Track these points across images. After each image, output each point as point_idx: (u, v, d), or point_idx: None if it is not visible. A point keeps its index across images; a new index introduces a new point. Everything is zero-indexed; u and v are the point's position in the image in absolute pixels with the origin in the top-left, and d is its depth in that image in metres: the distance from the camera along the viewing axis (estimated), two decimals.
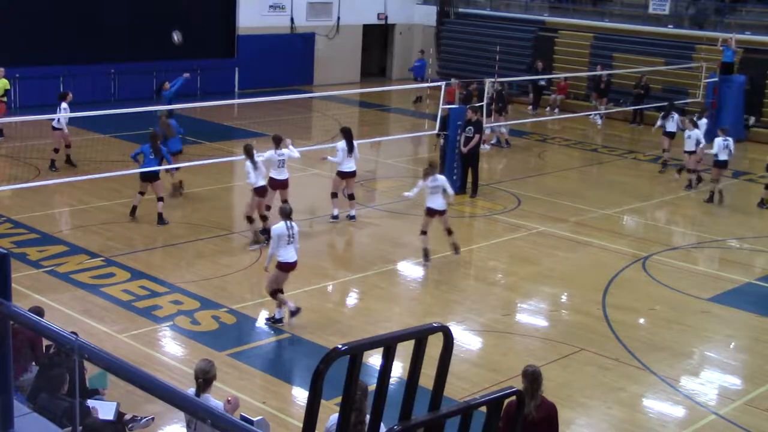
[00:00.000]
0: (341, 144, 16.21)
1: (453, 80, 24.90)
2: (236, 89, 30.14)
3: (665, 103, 23.44)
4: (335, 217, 16.29)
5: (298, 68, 31.25)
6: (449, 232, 14.41)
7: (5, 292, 3.91)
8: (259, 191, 14.73)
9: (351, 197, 16.44)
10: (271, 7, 30.84)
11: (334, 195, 16.38)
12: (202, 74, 29.01)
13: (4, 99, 21.26)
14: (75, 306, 12.03)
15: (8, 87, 21.46)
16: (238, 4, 30.00)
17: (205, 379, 7.37)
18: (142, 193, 15.58)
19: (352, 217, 16.37)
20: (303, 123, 25.80)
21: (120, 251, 14.28)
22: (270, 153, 15.13)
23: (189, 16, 29.04)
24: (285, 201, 14.87)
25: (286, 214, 11.55)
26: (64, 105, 18.37)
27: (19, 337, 8.31)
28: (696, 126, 19.89)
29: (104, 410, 8.28)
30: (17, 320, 4.01)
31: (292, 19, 31.31)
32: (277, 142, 15.23)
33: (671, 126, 21.47)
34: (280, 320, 11.70)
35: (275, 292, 11.66)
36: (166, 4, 28.40)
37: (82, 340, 3.63)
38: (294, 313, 11.66)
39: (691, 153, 19.67)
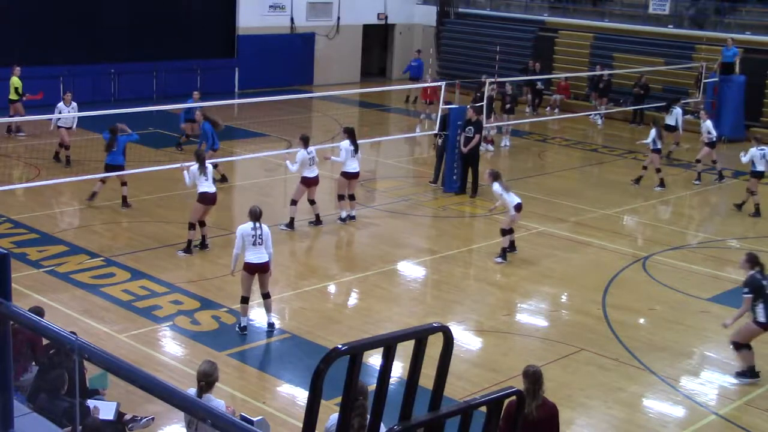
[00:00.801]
0: (345, 144, 16.21)
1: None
2: (236, 89, 30.14)
3: (664, 103, 23.51)
4: (343, 219, 16.30)
5: (298, 68, 31.26)
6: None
7: (5, 292, 3.90)
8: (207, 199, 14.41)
9: (351, 198, 16.44)
10: (271, 7, 30.84)
11: (341, 197, 16.42)
12: (202, 74, 29.02)
13: (16, 97, 21.40)
14: (75, 306, 12.03)
15: (18, 85, 21.59)
16: (238, 4, 30.01)
17: (207, 382, 7.35)
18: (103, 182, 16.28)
19: (352, 217, 16.37)
20: (303, 123, 25.78)
21: (120, 251, 14.28)
22: (302, 153, 15.41)
23: (189, 16, 29.08)
24: (312, 200, 15.74)
25: (256, 216, 11.27)
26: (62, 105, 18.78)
27: (19, 337, 8.31)
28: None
29: (104, 410, 8.28)
30: (17, 320, 4.00)
31: (292, 19, 31.32)
32: (306, 142, 15.56)
33: (670, 119, 21.81)
34: (245, 328, 11.48)
35: (244, 298, 11.44)
36: (166, 4, 28.42)
37: (82, 340, 3.62)
38: (243, 329, 11.47)
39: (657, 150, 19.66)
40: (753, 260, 10.49)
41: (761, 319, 10.25)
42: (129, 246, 14.61)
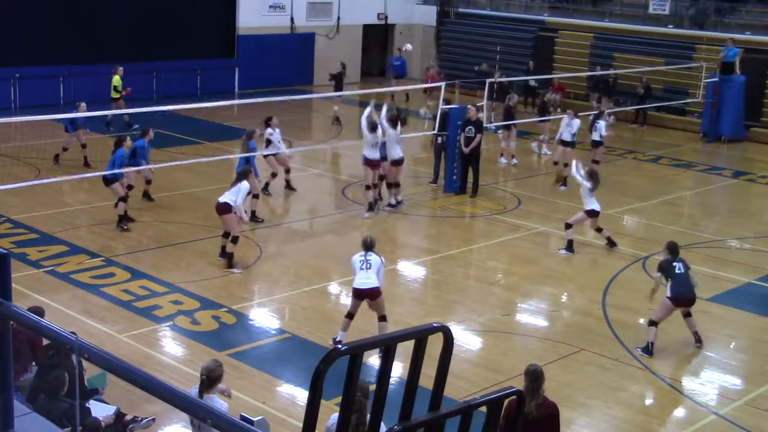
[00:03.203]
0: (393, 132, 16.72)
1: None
2: (236, 89, 30.14)
3: (665, 104, 23.48)
4: (393, 205, 16.97)
5: (298, 68, 31.25)
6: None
7: (5, 292, 3.90)
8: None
9: (397, 185, 17.11)
10: (271, 7, 30.84)
11: (391, 185, 17.03)
12: (202, 74, 29.02)
13: (117, 96, 22.72)
14: (75, 306, 12.03)
15: (117, 84, 22.79)
16: (238, 4, 30.01)
17: (209, 377, 7.33)
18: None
19: (399, 203, 17.13)
20: (303, 123, 25.80)
21: (120, 251, 14.29)
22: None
23: (189, 16, 29.07)
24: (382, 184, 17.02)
25: (366, 246, 10.84)
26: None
27: (19, 337, 8.30)
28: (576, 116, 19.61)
29: (103, 414, 8.28)
30: (17, 320, 4.00)
31: (292, 19, 31.32)
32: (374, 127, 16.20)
33: (596, 134, 20.52)
34: None
35: (349, 313, 11.10)
36: (166, 4, 28.41)
37: (82, 340, 3.62)
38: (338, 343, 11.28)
39: (568, 144, 19.40)
40: (672, 248, 11.67)
41: (668, 294, 11.39)
42: (129, 246, 14.61)
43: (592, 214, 14.94)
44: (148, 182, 16.91)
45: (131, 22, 27.42)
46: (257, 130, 17.04)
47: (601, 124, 19.73)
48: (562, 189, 19.01)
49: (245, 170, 14.23)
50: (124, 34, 27.27)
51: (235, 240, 13.63)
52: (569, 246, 15.11)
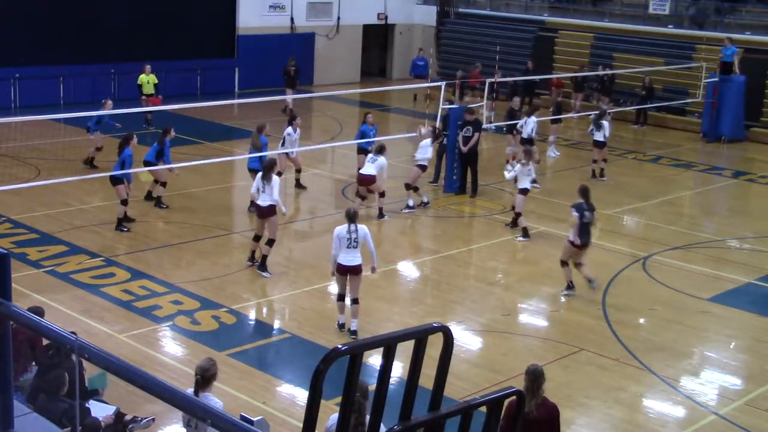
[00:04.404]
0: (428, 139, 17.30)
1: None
2: (236, 89, 30.14)
3: (665, 104, 23.46)
4: (426, 203, 17.41)
5: (298, 68, 31.20)
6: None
7: (5, 292, 3.90)
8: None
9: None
10: (271, 7, 30.84)
11: (416, 188, 17.41)
12: (202, 74, 29.02)
13: (152, 93, 23.20)
14: (75, 306, 12.03)
15: (143, 82, 23.27)
16: (238, 4, 30.01)
17: (203, 376, 7.33)
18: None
19: (426, 203, 17.49)
20: (303, 123, 25.72)
21: (120, 251, 14.28)
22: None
23: (189, 16, 29.07)
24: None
25: (350, 217, 11.34)
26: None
27: (19, 337, 8.30)
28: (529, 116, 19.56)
29: (103, 414, 8.27)
30: (17, 320, 4.00)
31: (292, 19, 31.32)
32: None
33: (599, 135, 20.47)
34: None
35: (339, 295, 11.73)
36: (166, 4, 28.41)
37: (82, 340, 3.62)
38: (341, 326, 11.61)
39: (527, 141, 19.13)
40: (583, 191, 13.21)
41: (571, 238, 12.99)
42: (129, 246, 14.60)
43: (524, 192, 15.74)
44: (163, 184, 16.60)
45: (131, 22, 27.42)
46: (267, 124, 17.01)
47: (606, 123, 19.70)
48: (537, 187, 19.06)
49: (271, 163, 13.75)
50: (124, 34, 27.27)
51: (272, 243, 13.48)
52: (525, 233, 15.71)
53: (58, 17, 25.88)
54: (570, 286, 13.19)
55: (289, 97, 25.89)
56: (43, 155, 19.24)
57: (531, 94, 28.12)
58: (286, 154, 17.56)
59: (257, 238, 13.64)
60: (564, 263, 13.19)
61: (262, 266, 13.45)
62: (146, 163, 16.13)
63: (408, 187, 17.26)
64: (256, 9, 30.33)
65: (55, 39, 25.78)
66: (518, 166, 15.76)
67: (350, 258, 11.25)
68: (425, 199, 17.47)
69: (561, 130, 23.10)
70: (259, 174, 13.44)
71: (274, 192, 13.19)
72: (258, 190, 13.29)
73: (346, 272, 11.32)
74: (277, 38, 30.64)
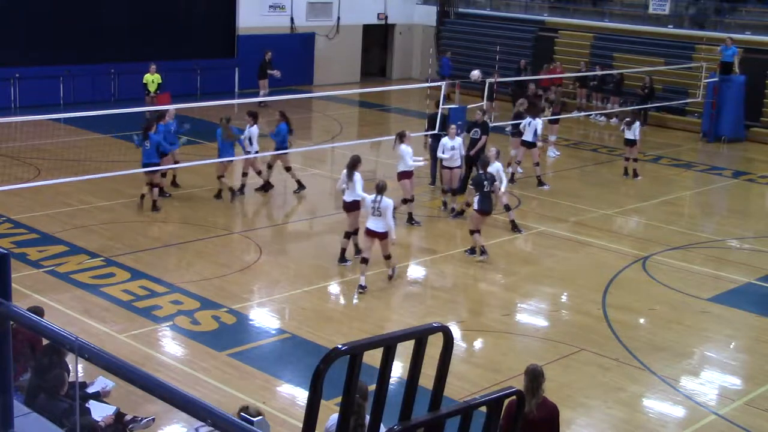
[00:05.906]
0: (457, 141, 17.03)
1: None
2: (236, 89, 30.14)
3: (665, 104, 23.45)
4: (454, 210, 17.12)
5: (298, 68, 31.23)
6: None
7: (5, 292, 3.90)
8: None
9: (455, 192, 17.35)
10: (271, 7, 30.84)
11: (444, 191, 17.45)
12: (202, 74, 29.02)
13: (156, 91, 23.04)
14: (75, 306, 12.03)
15: (148, 81, 23.16)
16: (238, 4, 30.01)
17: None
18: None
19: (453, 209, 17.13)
20: (303, 123, 25.78)
21: (120, 251, 14.28)
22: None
23: (189, 16, 29.08)
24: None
25: (379, 189, 12.75)
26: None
27: (19, 337, 8.30)
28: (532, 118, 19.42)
29: (103, 414, 8.27)
30: (17, 320, 4.00)
31: (292, 19, 31.32)
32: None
33: (629, 134, 20.65)
34: None
35: (364, 258, 13.00)
36: (166, 4, 28.42)
37: (82, 340, 3.62)
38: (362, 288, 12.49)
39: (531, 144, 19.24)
40: (485, 164, 14.42)
41: (476, 207, 14.23)
42: (129, 246, 14.60)
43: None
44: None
45: (131, 22, 27.41)
46: (230, 117, 17.50)
47: (637, 125, 20.16)
48: (545, 188, 19.08)
49: (355, 160, 13.95)
50: (124, 34, 27.27)
51: (355, 233, 14.09)
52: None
53: (58, 17, 25.88)
54: (483, 251, 14.26)
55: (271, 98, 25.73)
56: (43, 155, 19.24)
57: (525, 94, 28.06)
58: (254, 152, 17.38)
59: (347, 236, 14.08)
60: (472, 232, 14.30)
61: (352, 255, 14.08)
62: (162, 155, 16.32)
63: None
64: (256, 9, 30.33)
65: (56, 39, 25.78)
66: (505, 183, 15.78)
67: (376, 224, 12.69)
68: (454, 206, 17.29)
69: (557, 131, 23.03)
70: (344, 171, 13.92)
71: (356, 188, 13.71)
72: (344, 186, 13.90)
73: (374, 236, 12.77)
74: (277, 38, 30.63)
